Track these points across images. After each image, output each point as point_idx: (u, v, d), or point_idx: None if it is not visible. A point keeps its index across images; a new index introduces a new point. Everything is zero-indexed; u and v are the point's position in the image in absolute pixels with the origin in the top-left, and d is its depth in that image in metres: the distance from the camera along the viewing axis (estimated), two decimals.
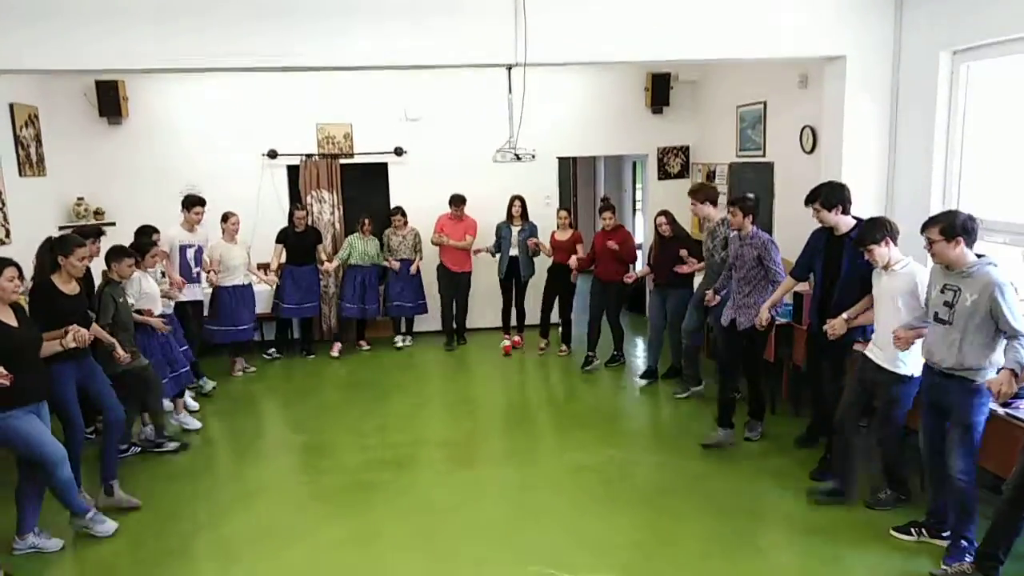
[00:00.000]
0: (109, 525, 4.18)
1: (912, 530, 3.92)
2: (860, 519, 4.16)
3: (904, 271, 3.95)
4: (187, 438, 5.64)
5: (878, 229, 3.95)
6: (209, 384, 6.69)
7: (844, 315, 4.32)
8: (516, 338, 7.90)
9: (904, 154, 5.34)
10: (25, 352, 3.75)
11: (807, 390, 5.27)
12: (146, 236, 5.60)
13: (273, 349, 7.75)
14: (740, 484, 4.65)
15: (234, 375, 7.17)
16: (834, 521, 4.15)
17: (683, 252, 6.25)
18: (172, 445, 5.39)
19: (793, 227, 5.92)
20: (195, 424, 5.84)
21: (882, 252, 3.95)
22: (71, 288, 4.27)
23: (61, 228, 7.00)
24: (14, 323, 3.74)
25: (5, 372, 3.48)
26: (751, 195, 5.87)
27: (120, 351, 4.63)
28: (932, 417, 3.79)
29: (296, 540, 4.12)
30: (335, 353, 7.77)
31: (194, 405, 6.20)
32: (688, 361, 6.31)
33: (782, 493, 4.50)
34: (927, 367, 3.78)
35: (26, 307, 4.05)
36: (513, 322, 7.91)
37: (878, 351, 4.10)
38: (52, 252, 4.23)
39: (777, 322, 5.25)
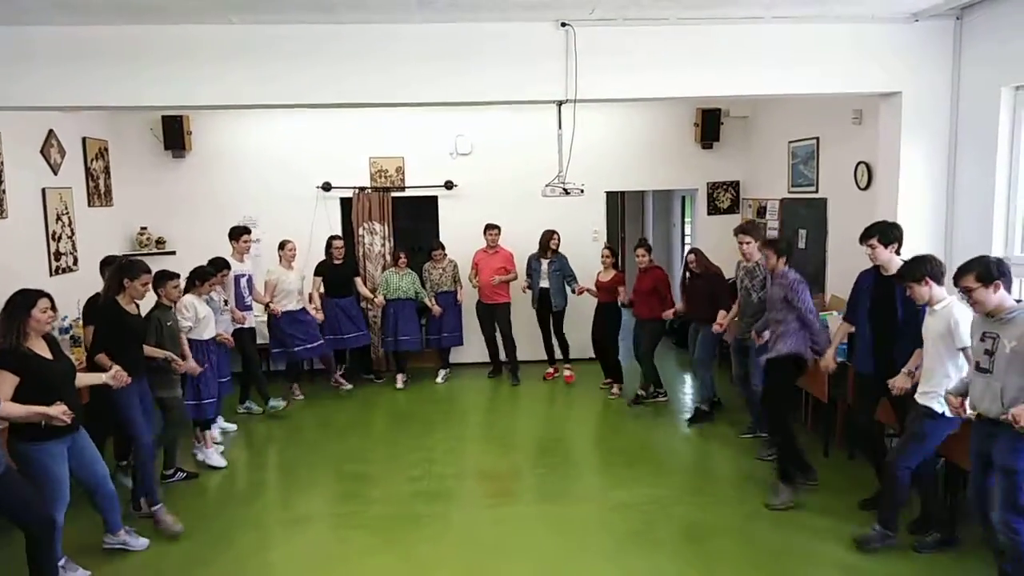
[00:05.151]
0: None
1: None
2: (913, 566, 3.99)
3: (943, 310, 3.84)
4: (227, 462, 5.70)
5: (917, 267, 3.88)
6: (280, 403, 6.78)
7: (904, 369, 4.22)
8: (554, 368, 7.94)
9: (963, 192, 5.22)
10: (59, 384, 3.69)
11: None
12: (212, 267, 5.82)
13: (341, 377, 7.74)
14: (787, 527, 4.50)
15: (295, 398, 7.28)
16: (884, 567, 3.99)
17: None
18: (179, 476, 5.34)
19: (847, 262, 5.82)
20: (220, 462, 5.63)
21: (922, 291, 3.87)
22: (132, 309, 4.58)
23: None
24: (49, 355, 3.68)
25: (68, 410, 3.55)
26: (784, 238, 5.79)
27: (178, 360, 4.96)
28: (980, 469, 3.61)
29: (342, 570, 4.14)
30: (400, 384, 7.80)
31: (220, 436, 6.15)
32: (756, 412, 5.98)
33: (832, 537, 4.34)
34: (977, 419, 3.60)
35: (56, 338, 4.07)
36: (558, 353, 7.91)
37: (920, 385, 4.01)
38: (119, 275, 4.46)
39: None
